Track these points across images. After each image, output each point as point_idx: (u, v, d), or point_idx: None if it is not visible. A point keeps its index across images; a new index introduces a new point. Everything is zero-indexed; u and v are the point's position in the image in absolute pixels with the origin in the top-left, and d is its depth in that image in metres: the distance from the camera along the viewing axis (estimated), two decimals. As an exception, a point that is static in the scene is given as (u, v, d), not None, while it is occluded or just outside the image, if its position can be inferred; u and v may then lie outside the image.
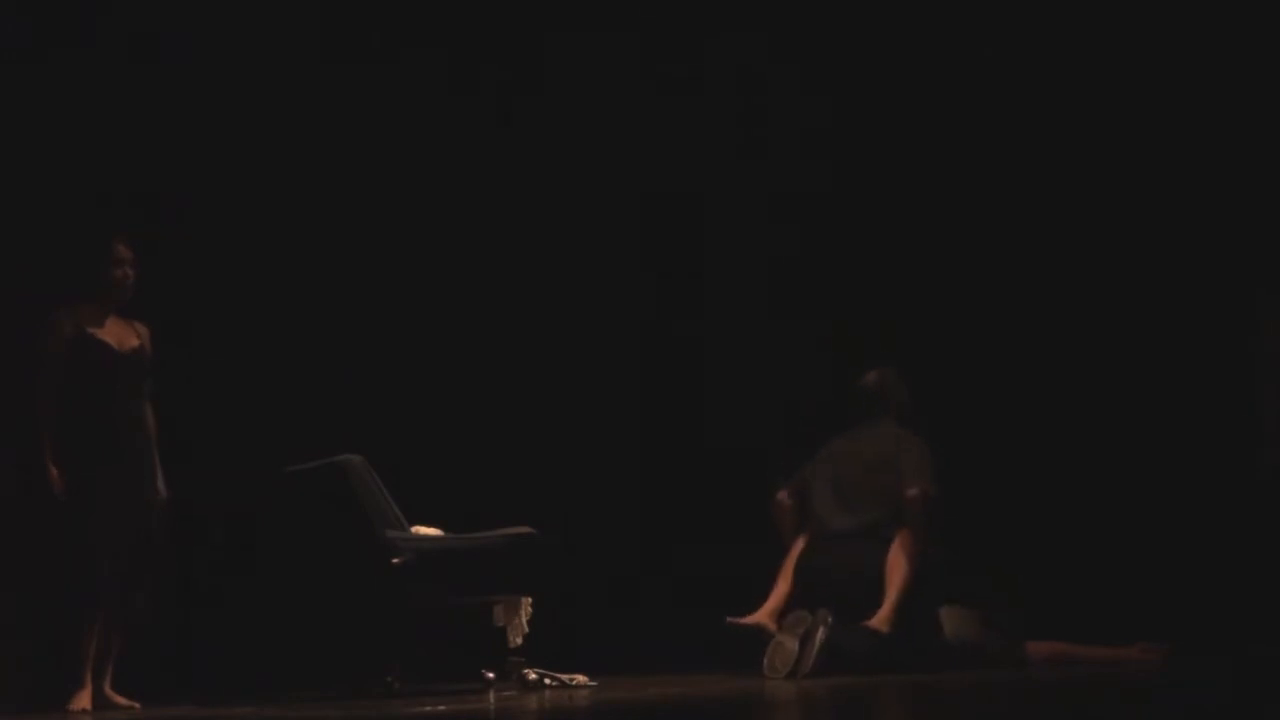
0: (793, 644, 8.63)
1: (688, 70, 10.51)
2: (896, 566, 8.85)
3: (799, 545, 9.12)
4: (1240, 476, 9.58)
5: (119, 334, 8.11)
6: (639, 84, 10.43)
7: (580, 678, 8.50)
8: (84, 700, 7.91)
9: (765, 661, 8.69)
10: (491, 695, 8.18)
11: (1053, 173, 10.15)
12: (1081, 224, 10.10)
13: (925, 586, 8.88)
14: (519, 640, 8.58)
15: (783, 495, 9.24)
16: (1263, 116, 9.80)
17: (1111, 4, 10.04)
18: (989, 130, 10.18)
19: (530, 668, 8.49)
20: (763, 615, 8.93)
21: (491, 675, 8.44)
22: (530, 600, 8.62)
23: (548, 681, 8.45)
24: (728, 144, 10.54)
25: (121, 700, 8.04)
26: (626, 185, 10.42)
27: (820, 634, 8.61)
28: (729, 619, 8.90)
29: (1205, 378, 9.81)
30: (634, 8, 10.39)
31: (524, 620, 8.59)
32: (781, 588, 9.02)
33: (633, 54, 10.42)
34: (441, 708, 7.59)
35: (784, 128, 10.52)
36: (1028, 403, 9.99)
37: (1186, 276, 9.91)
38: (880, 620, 8.72)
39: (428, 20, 10.04)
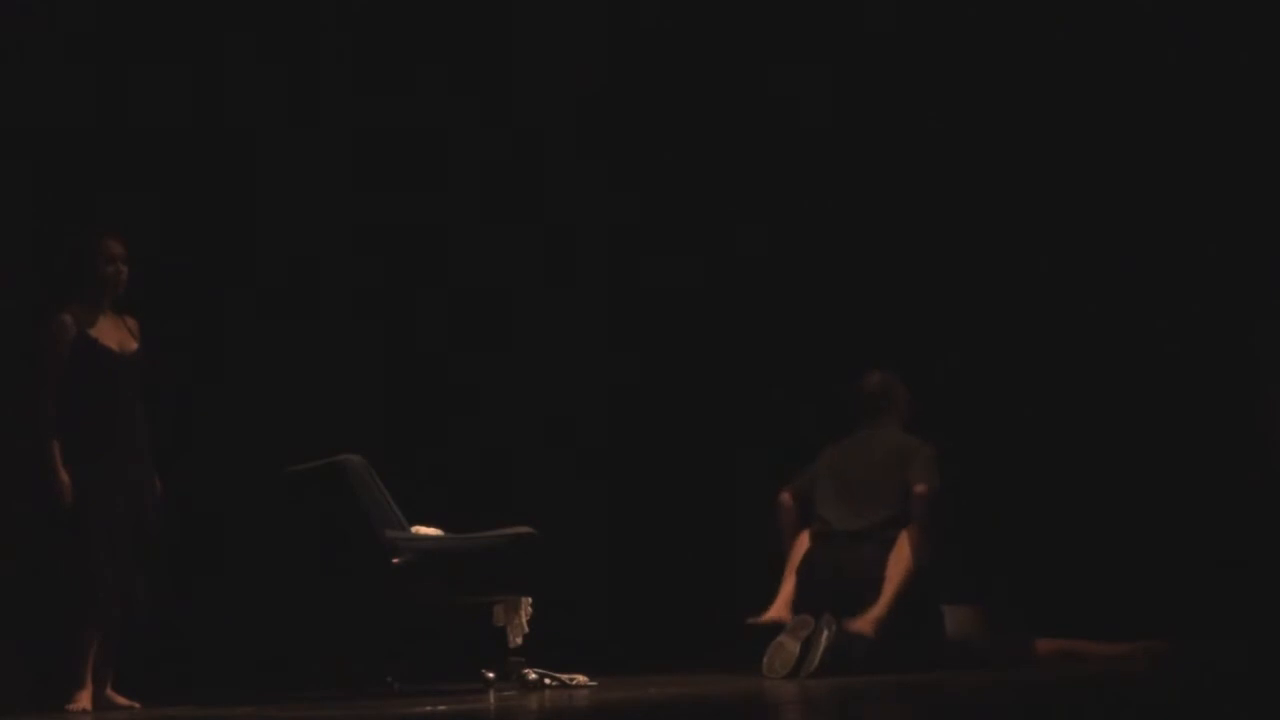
0: (794, 646, 8.61)
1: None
2: (896, 567, 8.82)
3: (802, 545, 9.09)
4: (1240, 476, 9.57)
5: (117, 335, 8.08)
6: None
7: (580, 678, 8.49)
8: (84, 700, 7.89)
9: (765, 662, 8.67)
10: (491, 695, 8.17)
11: (1055, 174, 10.14)
12: (1081, 225, 10.09)
13: (928, 584, 8.87)
14: (519, 640, 8.56)
15: (785, 496, 9.21)
16: (1263, 121, 9.80)
17: (1117, 12, 10.03)
18: (994, 138, 10.16)
19: (530, 668, 8.48)
20: (778, 611, 8.90)
21: (491, 675, 8.43)
22: (530, 600, 8.61)
23: (548, 681, 8.44)
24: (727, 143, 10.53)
25: (122, 700, 8.03)
26: (619, 183, 10.40)
27: (825, 638, 8.59)
28: (749, 619, 8.88)
29: (1205, 378, 9.80)
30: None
31: (524, 620, 8.58)
32: (788, 585, 9.00)
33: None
34: (441, 708, 7.58)
35: (782, 125, 10.50)
36: (1029, 402, 9.98)
37: (1187, 275, 9.90)
38: (866, 622, 8.69)
39: (424, 21, 10.05)
